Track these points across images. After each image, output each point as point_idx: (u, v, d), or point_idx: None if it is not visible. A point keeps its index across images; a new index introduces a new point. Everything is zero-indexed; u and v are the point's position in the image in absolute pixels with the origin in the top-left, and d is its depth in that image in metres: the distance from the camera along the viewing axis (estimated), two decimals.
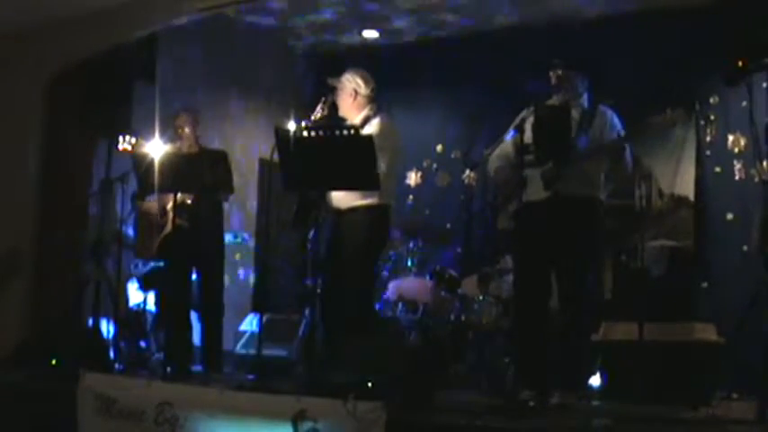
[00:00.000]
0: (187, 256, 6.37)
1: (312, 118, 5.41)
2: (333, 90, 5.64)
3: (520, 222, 5.17)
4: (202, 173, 5.99)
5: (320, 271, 5.46)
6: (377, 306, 6.86)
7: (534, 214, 5.08)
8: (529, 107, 5.10)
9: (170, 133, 6.50)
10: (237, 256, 8.88)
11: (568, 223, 5.04)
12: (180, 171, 5.90)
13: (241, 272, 9.05)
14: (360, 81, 5.62)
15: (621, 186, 6.45)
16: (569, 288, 5.10)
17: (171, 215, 6.17)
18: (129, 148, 6.35)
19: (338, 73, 5.69)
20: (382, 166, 5.11)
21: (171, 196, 6.09)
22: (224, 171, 6.35)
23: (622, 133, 5.19)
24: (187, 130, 6.43)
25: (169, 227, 6.27)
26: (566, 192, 5.05)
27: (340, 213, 5.52)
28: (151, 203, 6.64)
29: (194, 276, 6.51)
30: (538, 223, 5.07)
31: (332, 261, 5.51)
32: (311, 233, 5.63)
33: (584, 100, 5.29)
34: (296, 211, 5.51)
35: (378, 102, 5.70)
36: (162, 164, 5.81)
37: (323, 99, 5.50)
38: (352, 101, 5.61)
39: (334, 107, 5.61)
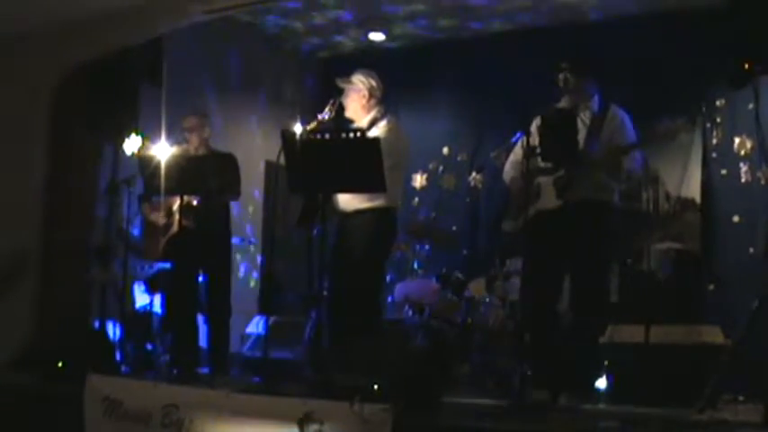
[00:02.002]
0: (193, 258, 6.37)
1: (319, 119, 5.40)
2: (340, 91, 5.64)
3: (533, 230, 5.07)
4: (210, 175, 5.99)
5: (326, 273, 5.46)
6: (383, 308, 6.85)
7: (548, 222, 5.06)
8: (539, 112, 5.08)
9: (178, 135, 6.50)
10: (244, 259, 8.90)
11: (583, 229, 5.02)
12: (187, 173, 5.90)
13: (247, 274, 9.06)
14: (373, 82, 5.61)
15: (628, 189, 6.46)
16: (584, 293, 5.09)
17: (177, 217, 6.18)
18: (136, 150, 6.36)
19: (346, 74, 5.69)
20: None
21: (177, 198, 6.10)
22: (232, 174, 6.36)
23: (633, 137, 5.16)
24: (195, 132, 6.43)
25: (175, 228, 6.28)
26: (579, 198, 5.04)
27: (346, 216, 5.52)
28: (149, 206, 6.62)
29: (201, 278, 6.52)
30: (551, 231, 5.05)
31: (338, 264, 5.52)
32: (315, 233, 5.62)
33: (595, 102, 5.27)
34: (301, 211, 5.51)
35: (385, 104, 5.70)
36: (169, 166, 5.82)
37: (331, 101, 5.49)
38: (366, 102, 5.59)
39: (341, 108, 5.61)
